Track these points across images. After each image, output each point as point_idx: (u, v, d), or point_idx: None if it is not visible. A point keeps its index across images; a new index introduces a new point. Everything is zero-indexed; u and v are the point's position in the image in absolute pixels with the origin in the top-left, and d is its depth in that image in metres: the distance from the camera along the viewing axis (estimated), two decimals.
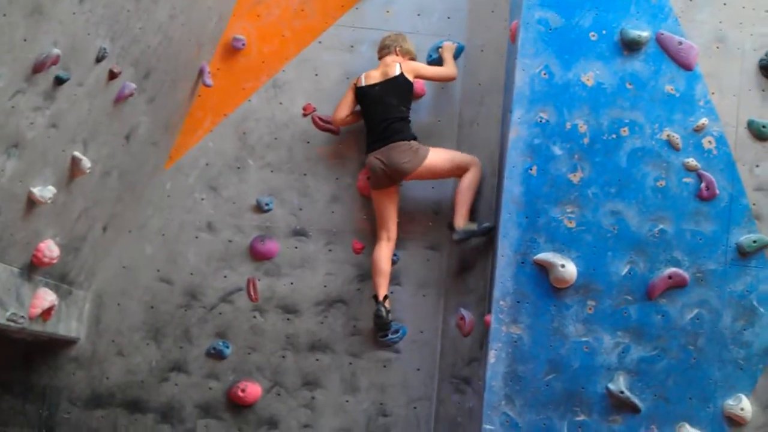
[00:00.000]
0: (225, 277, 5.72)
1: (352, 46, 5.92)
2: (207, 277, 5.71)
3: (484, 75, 5.82)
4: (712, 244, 5.09)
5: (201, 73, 5.72)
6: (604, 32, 5.16)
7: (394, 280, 5.67)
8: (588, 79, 5.15)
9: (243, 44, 5.84)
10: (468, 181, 5.50)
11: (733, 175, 5.14)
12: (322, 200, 5.81)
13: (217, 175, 5.81)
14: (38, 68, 3.93)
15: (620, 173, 5.10)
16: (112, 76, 4.57)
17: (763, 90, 5.22)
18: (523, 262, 5.06)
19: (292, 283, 5.73)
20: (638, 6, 5.17)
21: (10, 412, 5.55)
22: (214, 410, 5.62)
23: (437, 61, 5.82)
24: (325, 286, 5.73)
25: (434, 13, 5.96)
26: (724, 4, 5.22)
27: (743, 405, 5.00)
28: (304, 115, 5.87)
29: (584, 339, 5.02)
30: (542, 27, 5.17)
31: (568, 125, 5.12)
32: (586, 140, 5.11)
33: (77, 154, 4.60)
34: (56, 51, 3.98)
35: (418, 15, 5.95)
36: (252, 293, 5.71)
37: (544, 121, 5.13)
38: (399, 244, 5.67)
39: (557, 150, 5.11)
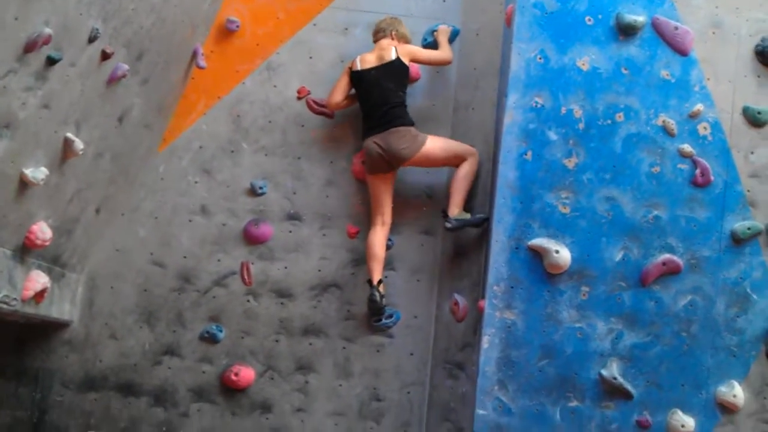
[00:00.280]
0: (219, 260, 5.71)
1: (346, 29, 5.89)
2: (200, 260, 5.70)
3: (479, 59, 5.79)
4: (707, 231, 5.09)
5: (194, 55, 5.69)
6: (599, 17, 5.13)
7: (388, 265, 5.66)
8: (583, 64, 5.12)
9: (237, 26, 5.80)
10: (465, 170, 5.49)
11: (727, 162, 5.13)
12: (316, 184, 5.79)
13: (210, 158, 5.78)
14: (30, 48, 3.89)
15: (615, 159, 5.09)
16: (105, 56, 4.53)
17: (758, 76, 5.20)
18: (517, 248, 5.05)
19: (286, 267, 5.72)
20: None
21: (2, 395, 5.55)
22: (207, 394, 5.62)
23: (432, 45, 5.79)
24: (319, 271, 5.72)
25: None
26: None
27: (736, 392, 5.01)
28: (299, 98, 5.84)
29: (578, 325, 5.02)
30: (538, 11, 5.14)
31: (564, 110, 5.10)
32: (581, 125, 5.10)
33: (70, 135, 4.57)
34: (48, 30, 3.94)
35: None
36: (246, 277, 5.69)
37: (539, 105, 5.11)
38: (393, 229, 5.66)
39: (552, 135, 5.10)
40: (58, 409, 5.57)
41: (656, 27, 5.14)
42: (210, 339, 5.65)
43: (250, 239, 5.71)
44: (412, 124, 5.52)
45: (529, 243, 5.04)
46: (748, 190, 5.14)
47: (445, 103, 5.86)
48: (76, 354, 5.60)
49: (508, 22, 5.37)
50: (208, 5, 5.63)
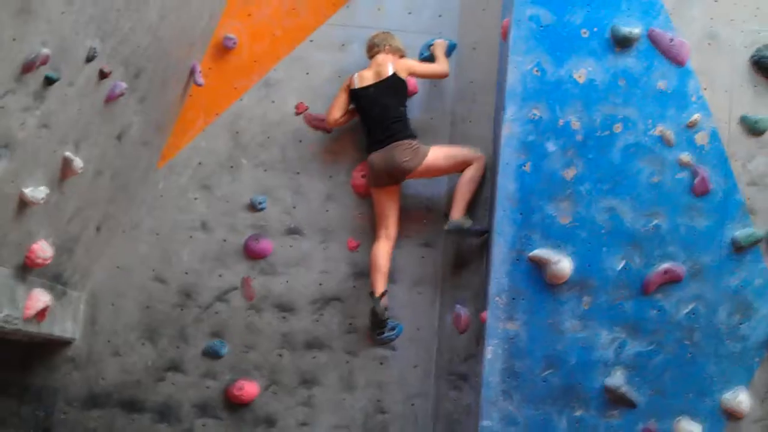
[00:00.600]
0: (220, 276, 5.71)
1: (343, 45, 5.91)
2: (202, 276, 5.70)
3: (476, 72, 5.81)
4: (707, 239, 5.09)
5: (192, 72, 5.71)
6: (595, 29, 5.15)
7: (390, 278, 5.65)
8: (580, 76, 5.14)
9: (234, 43, 5.82)
10: (469, 174, 5.50)
11: (726, 170, 5.15)
12: (316, 198, 5.80)
13: (210, 174, 5.80)
14: (28, 68, 3.91)
15: (614, 169, 5.10)
16: (103, 75, 4.55)
17: (755, 86, 5.22)
18: (518, 259, 5.06)
19: (287, 282, 5.72)
20: (629, 3, 5.16)
21: (6, 414, 5.54)
22: (211, 409, 5.62)
23: (429, 59, 5.81)
24: (320, 284, 5.73)
25: (425, 11, 5.95)
26: (715, 0, 5.21)
27: (740, 398, 5.01)
28: (297, 113, 5.86)
29: (581, 334, 5.02)
30: (534, 24, 5.16)
31: (561, 122, 5.12)
32: (579, 137, 5.11)
33: (69, 154, 4.59)
34: (45, 51, 3.96)
35: (409, 13, 5.95)
36: (247, 292, 5.70)
37: (536, 117, 5.12)
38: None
39: (551, 147, 5.11)
40: (61, 427, 5.55)
41: (652, 39, 5.16)
42: (213, 354, 5.64)
43: (251, 254, 5.72)
44: (414, 137, 5.54)
45: (530, 254, 5.05)
46: (748, 198, 5.15)
47: (442, 116, 5.88)
48: (79, 371, 5.60)
49: (504, 35, 5.39)
50: (205, 23, 5.66)
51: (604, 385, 4.98)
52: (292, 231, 5.77)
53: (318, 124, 5.83)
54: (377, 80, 5.58)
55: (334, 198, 5.80)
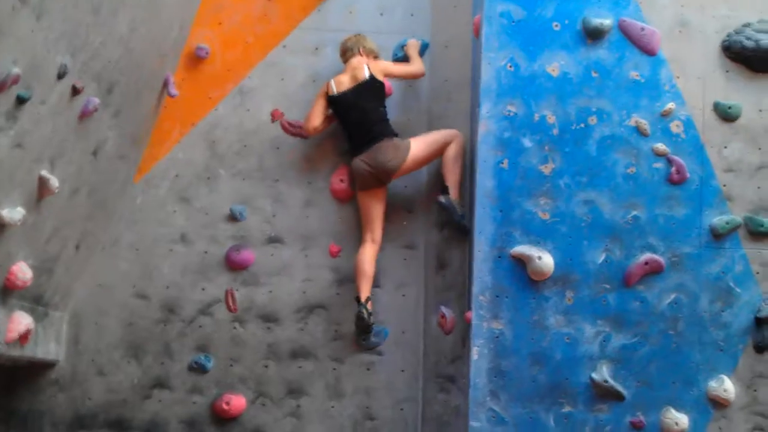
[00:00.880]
0: (202, 289, 5.67)
1: (316, 49, 5.89)
2: (184, 290, 5.66)
3: (450, 71, 5.81)
4: (686, 228, 5.12)
5: (165, 83, 5.67)
6: (566, 22, 5.17)
7: (373, 281, 5.64)
8: (553, 70, 5.16)
9: (206, 53, 5.79)
10: (452, 152, 5.51)
11: (702, 158, 5.18)
12: (295, 206, 5.78)
13: (187, 186, 5.76)
14: None
15: (591, 162, 5.12)
16: (75, 92, 4.51)
17: (727, 71, 5.26)
18: (500, 257, 5.06)
19: (270, 292, 5.69)
20: None
21: None
22: (199, 425, 5.57)
23: (403, 60, 5.80)
24: (304, 292, 5.70)
25: (397, 11, 5.94)
26: None
27: (726, 386, 5.04)
28: (273, 120, 5.83)
29: (565, 330, 5.03)
30: (505, 20, 5.17)
31: (537, 117, 5.13)
32: (555, 131, 5.13)
33: (44, 173, 4.54)
34: (16, 70, 3.91)
35: (381, 14, 5.93)
36: (230, 304, 5.66)
37: (512, 114, 5.13)
38: None
39: (527, 142, 5.12)
40: None
41: (623, 29, 5.18)
42: (199, 369, 5.60)
43: (233, 265, 5.69)
44: (395, 135, 5.54)
45: (512, 251, 5.05)
46: (724, 185, 5.18)
47: (419, 116, 5.87)
48: (64, 393, 5.54)
49: (476, 32, 5.39)
50: (176, 33, 5.62)
51: (591, 380, 4.99)
52: (273, 240, 5.74)
53: (294, 130, 5.81)
54: (354, 84, 5.57)
55: (313, 204, 5.78)
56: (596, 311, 5.05)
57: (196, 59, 5.80)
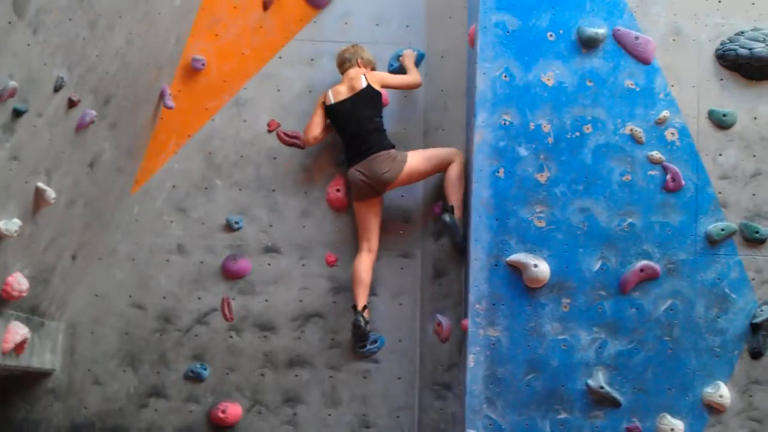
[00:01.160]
0: (199, 298, 5.68)
1: (312, 60, 5.91)
2: (180, 299, 5.67)
3: (446, 81, 5.84)
4: (681, 235, 5.14)
5: (162, 95, 5.69)
6: (561, 32, 5.20)
7: (370, 290, 5.64)
8: (548, 79, 5.18)
9: (203, 64, 5.81)
10: (455, 171, 5.50)
11: (697, 165, 5.20)
12: (292, 215, 5.79)
13: (184, 196, 5.77)
14: None
15: (586, 170, 5.14)
16: (72, 104, 4.53)
17: (721, 79, 5.28)
18: (496, 265, 5.08)
19: (266, 300, 5.70)
20: (593, 3, 5.22)
21: None
22: None
23: (399, 70, 5.83)
24: (300, 301, 5.71)
25: (392, 22, 5.97)
26: None
27: (722, 392, 5.05)
28: (269, 131, 5.85)
29: (561, 337, 5.05)
30: (500, 30, 5.20)
31: (532, 126, 5.15)
32: (550, 140, 5.15)
33: (41, 185, 4.55)
34: (13, 83, 3.94)
35: (377, 25, 5.96)
36: (227, 313, 5.67)
37: (507, 123, 5.15)
38: None
39: (523, 151, 5.14)
40: None
41: (618, 38, 5.21)
42: (195, 378, 5.61)
43: (229, 275, 5.70)
44: (392, 146, 5.56)
45: (508, 259, 5.07)
46: (719, 192, 5.20)
47: (415, 126, 5.89)
48: (61, 403, 5.55)
49: (472, 42, 5.42)
50: (172, 45, 5.64)
51: (587, 386, 5.01)
52: (270, 249, 5.75)
53: (291, 140, 5.83)
54: (352, 94, 5.59)
55: (310, 213, 5.80)
56: (592, 318, 5.06)
57: (193, 71, 5.82)
